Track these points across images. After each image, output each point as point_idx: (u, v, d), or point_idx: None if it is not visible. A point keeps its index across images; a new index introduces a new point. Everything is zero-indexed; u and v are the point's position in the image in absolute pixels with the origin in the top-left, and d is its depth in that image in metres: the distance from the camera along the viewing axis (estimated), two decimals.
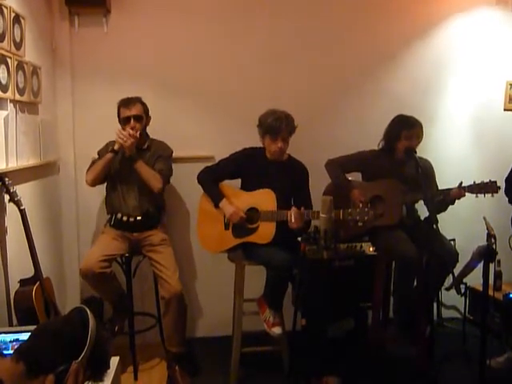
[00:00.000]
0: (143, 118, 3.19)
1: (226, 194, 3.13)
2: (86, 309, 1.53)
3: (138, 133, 3.11)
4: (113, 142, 3.18)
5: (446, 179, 3.28)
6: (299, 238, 3.05)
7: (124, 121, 3.14)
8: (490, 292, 2.65)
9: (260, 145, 3.16)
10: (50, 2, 3.40)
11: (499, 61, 3.89)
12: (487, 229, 2.51)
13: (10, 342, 2.29)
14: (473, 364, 2.89)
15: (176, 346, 3.19)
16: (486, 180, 2.99)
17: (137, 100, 3.19)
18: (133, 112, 3.13)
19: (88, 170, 3.21)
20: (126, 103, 3.15)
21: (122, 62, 3.53)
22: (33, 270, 2.68)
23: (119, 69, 3.54)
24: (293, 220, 2.83)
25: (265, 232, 2.97)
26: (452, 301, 3.86)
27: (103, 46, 3.52)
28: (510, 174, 3.20)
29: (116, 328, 3.28)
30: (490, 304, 3.12)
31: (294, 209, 2.86)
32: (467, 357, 3.28)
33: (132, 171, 3.14)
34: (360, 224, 2.81)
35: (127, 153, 3.09)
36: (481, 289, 2.59)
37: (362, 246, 3.02)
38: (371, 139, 3.36)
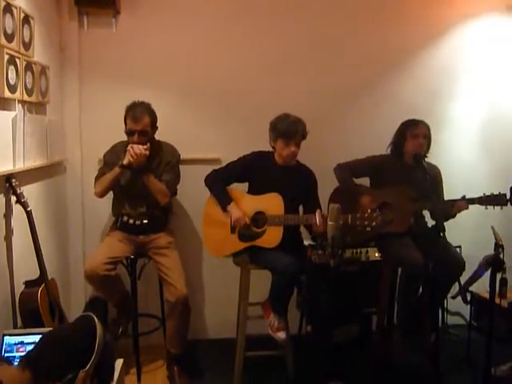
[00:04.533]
0: (149, 132, 3.09)
1: (233, 197, 3.12)
2: (94, 316, 1.53)
3: (148, 149, 3.03)
4: (119, 145, 3.19)
5: (454, 185, 3.26)
6: (306, 243, 3.04)
7: (129, 133, 3.07)
8: (496, 299, 2.64)
9: (267, 148, 3.15)
10: (59, 1, 3.40)
11: (509, 66, 3.87)
12: (495, 238, 2.49)
13: (15, 344, 2.29)
14: (477, 371, 2.87)
15: (176, 347, 3.17)
16: (496, 192, 2.99)
17: (146, 111, 3.07)
18: (139, 127, 3.03)
19: (96, 180, 3.18)
20: (133, 116, 3.04)
21: (130, 63, 3.53)
22: (38, 271, 2.68)
23: (127, 69, 3.53)
24: (318, 223, 2.78)
25: (272, 236, 2.96)
26: (456, 307, 3.84)
27: (112, 46, 3.52)
28: None
29: (120, 329, 3.29)
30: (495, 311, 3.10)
31: (319, 212, 2.82)
32: (472, 364, 3.28)
33: (139, 179, 3.10)
34: (368, 229, 2.79)
35: (136, 167, 3.04)
36: (485, 296, 2.59)
37: (367, 252, 3.01)
38: (380, 144, 3.35)
